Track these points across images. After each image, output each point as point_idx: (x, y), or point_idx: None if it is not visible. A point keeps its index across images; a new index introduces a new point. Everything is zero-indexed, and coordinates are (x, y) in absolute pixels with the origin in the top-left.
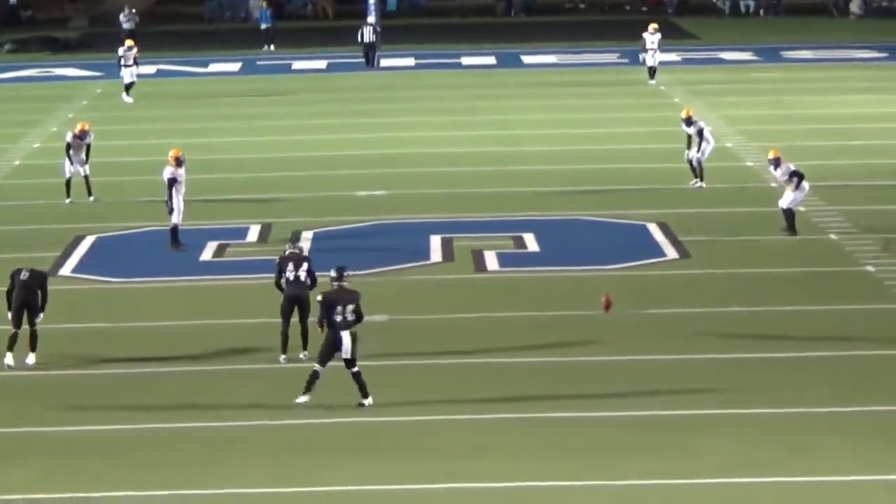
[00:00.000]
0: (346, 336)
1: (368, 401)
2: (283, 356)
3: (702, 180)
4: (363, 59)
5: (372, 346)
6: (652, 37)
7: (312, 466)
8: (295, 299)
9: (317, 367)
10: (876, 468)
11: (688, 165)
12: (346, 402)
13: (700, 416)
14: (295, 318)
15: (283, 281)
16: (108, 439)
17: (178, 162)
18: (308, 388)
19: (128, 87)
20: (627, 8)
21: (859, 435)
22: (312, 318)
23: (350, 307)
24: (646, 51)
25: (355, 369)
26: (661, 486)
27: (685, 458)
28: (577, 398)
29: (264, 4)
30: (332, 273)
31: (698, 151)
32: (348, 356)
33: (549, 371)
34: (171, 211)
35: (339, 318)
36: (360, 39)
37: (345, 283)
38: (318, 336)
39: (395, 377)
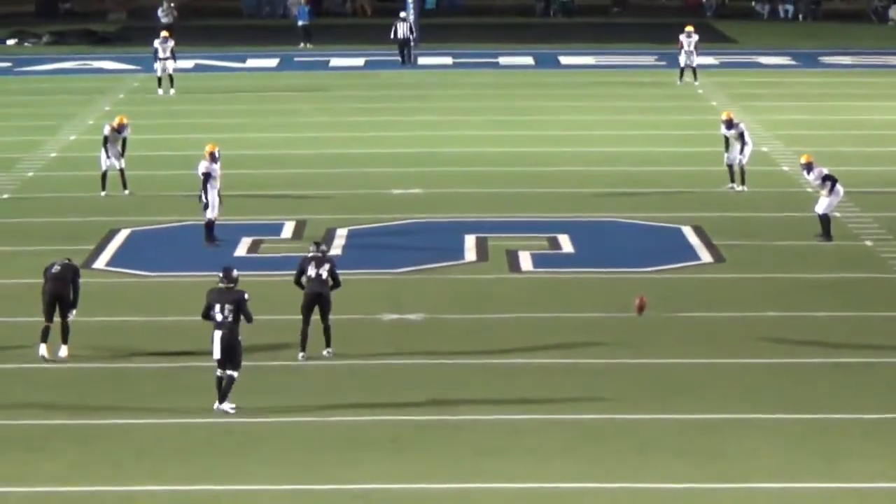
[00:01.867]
0: (217, 335)
1: (220, 406)
2: (301, 353)
3: (743, 184)
4: (398, 57)
5: (405, 345)
6: (688, 39)
7: (342, 464)
8: (316, 297)
9: (218, 371)
10: None
11: (727, 169)
12: (376, 400)
13: (731, 420)
14: (317, 316)
15: (304, 279)
16: (139, 432)
17: (214, 157)
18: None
19: (160, 81)
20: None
21: (891, 442)
22: (334, 316)
23: (228, 307)
24: (682, 52)
25: (227, 372)
26: (691, 490)
27: (716, 462)
28: (609, 400)
29: (303, 1)
30: (220, 274)
31: (741, 154)
32: (217, 356)
33: (582, 373)
34: (205, 206)
35: (218, 318)
36: (393, 35)
37: (222, 286)
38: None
39: (428, 376)
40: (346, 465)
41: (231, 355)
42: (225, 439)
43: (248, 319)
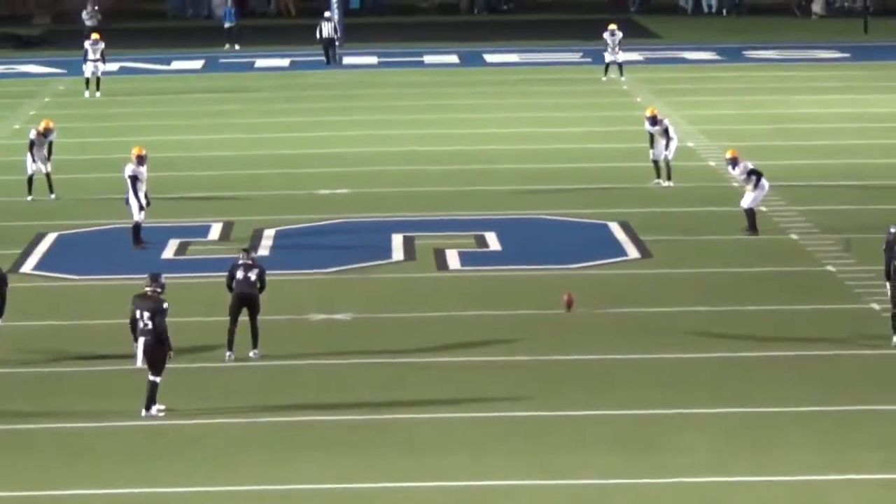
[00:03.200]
0: (140, 343)
1: (147, 412)
2: (229, 354)
3: (669, 179)
4: (323, 57)
5: (335, 345)
6: (612, 37)
7: (276, 464)
8: (244, 297)
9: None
10: (839, 467)
11: (652, 165)
12: (307, 401)
13: (664, 415)
14: (245, 317)
15: (233, 283)
16: (69, 436)
17: (141, 160)
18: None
19: (88, 83)
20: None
21: (821, 434)
22: (263, 316)
23: (146, 314)
24: (608, 49)
25: (149, 378)
26: (626, 485)
27: (649, 456)
28: (540, 397)
29: (229, 2)
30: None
31: (666, 149)
32: (137, 363)
33: (512, 369)
34: (141, 208)
35: (140, 324)
36: (318, 35)
37: (149, 290)
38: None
39: (357, 375)
40: (280, 465)
41: (152, 361)
42: (158, 441)
43: (159, 331)
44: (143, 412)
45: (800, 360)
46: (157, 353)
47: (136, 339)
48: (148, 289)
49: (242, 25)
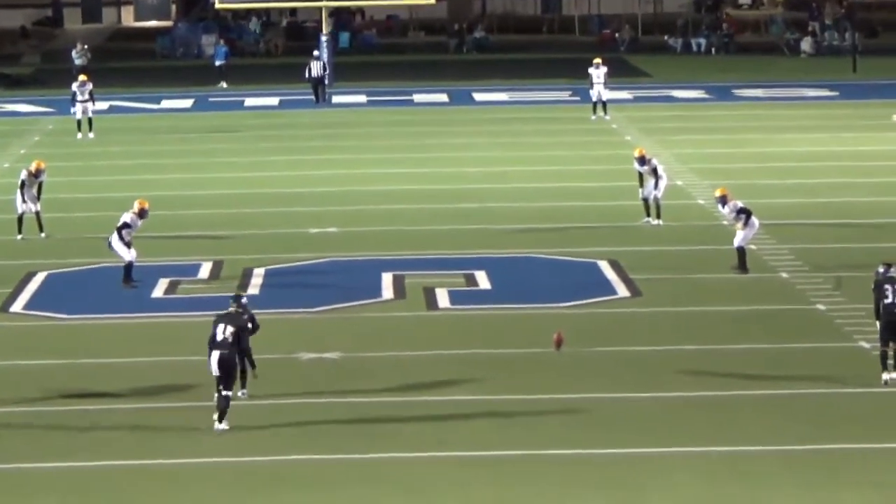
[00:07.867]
0: (214, 356)
1: (219, 424)
2: (242, 391)
3: (659, 218)
4: (312, 96)
5: (323, 384)
6: (597, 71)
7: (264, 503)
8: (221, 361)
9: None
10: None
11: (641, 203)
12: (296, 440)
13: (653, 453)
14: None
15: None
16: (61, 477)
17: (142, 213)
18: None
19: (80, 124)
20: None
21: (810, 473)
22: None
23: (229, 329)
24: (592, 86)
25: (222, 391)
26: None
27: (638, 495)
28: (529, 436)
29: (222, 42)
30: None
31: (655, 188)
32: (216, 374)
33: (501, 409)
34: (128, 246)
35: (219, 337)
36: (307, 75)
37: (232, 309)
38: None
39: (346, 414)
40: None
41: (226, 374)
42: (149, 481)
43: (242, 349)
44: (217, 425)
45: (789, 399)
46: (232, 366)
47: (210, 352)
48: (231, 308)
49: (231, 65)
